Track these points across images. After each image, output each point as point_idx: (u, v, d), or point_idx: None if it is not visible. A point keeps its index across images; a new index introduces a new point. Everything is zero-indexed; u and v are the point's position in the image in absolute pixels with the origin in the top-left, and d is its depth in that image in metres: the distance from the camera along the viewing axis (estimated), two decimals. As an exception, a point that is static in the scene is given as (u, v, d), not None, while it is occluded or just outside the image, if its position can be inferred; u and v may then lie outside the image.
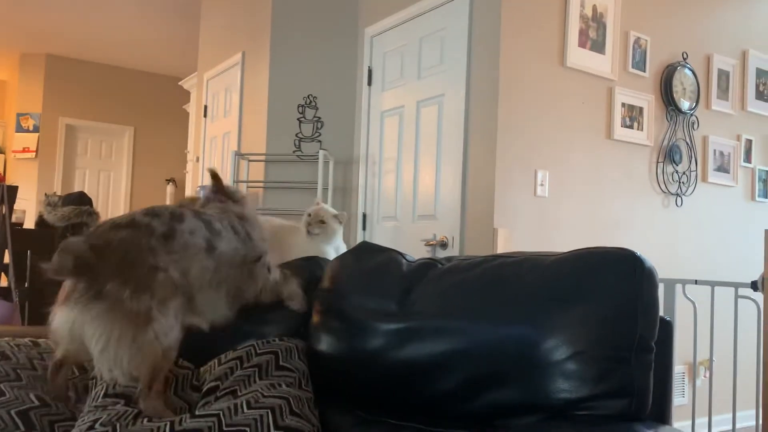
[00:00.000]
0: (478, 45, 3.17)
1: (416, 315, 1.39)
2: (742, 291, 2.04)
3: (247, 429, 1.22)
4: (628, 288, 1.29)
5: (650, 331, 1.30)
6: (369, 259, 1.61)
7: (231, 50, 4.81)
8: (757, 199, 4.16)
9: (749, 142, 4.13)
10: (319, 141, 4.18)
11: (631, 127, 3.52)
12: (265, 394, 1.28)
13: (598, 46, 3.37)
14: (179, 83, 6.88)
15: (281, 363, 1.40)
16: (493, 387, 1.28)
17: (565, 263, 1.33)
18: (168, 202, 7.83)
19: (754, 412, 2.22)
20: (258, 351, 1.42)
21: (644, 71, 3.58)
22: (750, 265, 4.08)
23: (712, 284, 2.12)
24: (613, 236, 3.40)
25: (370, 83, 3.97)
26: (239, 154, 4.19)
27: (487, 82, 3.09)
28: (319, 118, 4.21)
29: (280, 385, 1.32)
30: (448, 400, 1.32)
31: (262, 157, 4.17)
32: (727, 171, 4.00)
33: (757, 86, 4.19)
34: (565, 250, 1.40)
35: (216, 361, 1.42)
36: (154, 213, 1.30)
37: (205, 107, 5.25)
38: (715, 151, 3.93)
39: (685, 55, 3.76)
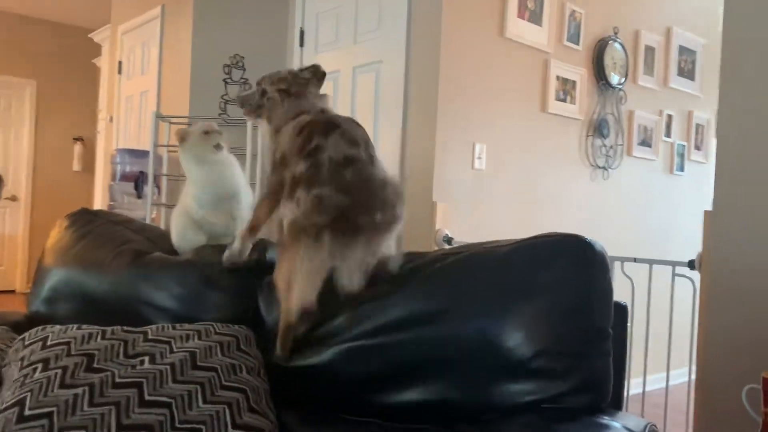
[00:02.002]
0: (419, 11, 3.07)
1: (368, 328, 1.30)
2: (678, 269, 2.10)
3: (203, 427, 1.13)
4: (582, 277, 1.27)
5: (607, 318, 1.30)
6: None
7: (149, 3, 4.48)
8: (675, 172, 4.33)
9: (670, 117, 4.27)
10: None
11: (564, 100, 3.54)
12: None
13: (536, 18, 3.35)
14: (89, 35, 6.39)
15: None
16: (455, 395, 1.23)
17: (516, 256, 1.29)
18: (76, 163, 7.34)
19: (668, 373, 2.35)
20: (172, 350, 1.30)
21: (578, 44, 3.60)
22: (669, 237, 4.27)
23: (651, 262, 2.18)
24: (547, 210, 3.45)
25: (302, 45, 3.79)
26: (160, 116, 3.93)
27: (427, 51, 3.00)
28: (247, 79, 3.99)
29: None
30: (407, 408, 1.27)
31: (185, 120, 3.93)
32: (649, 145, 4.13)
33: (679, 63, 4.32)
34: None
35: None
36: (353, 141, 1.31)
37: (120, 63, 4.90)
38: (639, 125, 4.04)
39: (616, 30, 3.81)
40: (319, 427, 1.30)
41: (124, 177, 3.91)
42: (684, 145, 4.40)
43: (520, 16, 3.26)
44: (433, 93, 2.96)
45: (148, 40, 4.47)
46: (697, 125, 4.49)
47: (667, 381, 2.22)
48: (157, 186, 3.92)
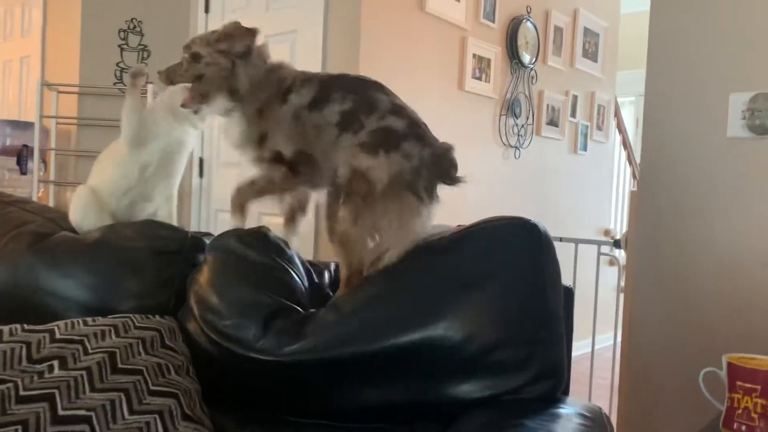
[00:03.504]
0: (336, -21, 2.92)
1: (314, 334, 1.17)
2: (603, 248, 2.13)
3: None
4: (531, 260, 1.21)
5: (559, 301, 1.26)
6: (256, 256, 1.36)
7: (29, -44, 4.03)
8: (579, 152, 4.46)
9: (575, 97, 4.38)
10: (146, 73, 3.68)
11: (480, 78, 3.53)
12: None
13: (454, -7, 3.29)
14: (-45, -9, 5.70)
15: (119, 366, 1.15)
16: (412, 396, 1.14)
17: (462, 247, 1.22)
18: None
19: (592, 352, 2.39)
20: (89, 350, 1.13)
21: (493, 22, 3.59)
22: (576, 214, 4.40)
23: (576, 241, 2.19)
24: (462, 189, 3.42)
25: (207, 10, 3.53)
26: (46, 84, 3.56)
27: (347, 22, 2.87)
28: (146, 46, 3.69)
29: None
30: (356, 409, 1.17)
31: (75, 89, 3.58)
32: (556, 125, 4.22)
33: (584, 45, 4.43)
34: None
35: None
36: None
37: (-5, 24, 4.40)
38: (548, 105, 4.10)
39: (528, 9, 3.83)
40: (261, 429, 1.18)
41: (5, 151, 3.51)
42: (587, 125, 4.53)
43: (439, -10, 3.19)
44: (353, 67, 2.83)
45: (28, -2, 4.03)
46: (599, 106, 4.64)
47: (592, 359, 2.27)
48: (44, 161, 3.56)
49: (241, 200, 1.34)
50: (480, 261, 1.20)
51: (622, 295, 2.08)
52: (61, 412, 0.97)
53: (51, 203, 3.50)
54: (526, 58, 3.81)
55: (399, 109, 1.23)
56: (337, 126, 1.22)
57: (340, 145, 1.22)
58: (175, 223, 1.62)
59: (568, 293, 1.41)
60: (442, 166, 1.22)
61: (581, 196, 4.50)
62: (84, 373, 1.07)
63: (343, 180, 1.19)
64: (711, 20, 1.84)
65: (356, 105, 1.22)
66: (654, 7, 1.97)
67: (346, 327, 1.17)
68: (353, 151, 1.19)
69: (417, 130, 1.22)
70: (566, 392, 1.33)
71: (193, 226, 3.48)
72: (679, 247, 1.88)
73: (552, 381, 1.19)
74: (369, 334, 1.15)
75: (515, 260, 1.20)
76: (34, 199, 3.30)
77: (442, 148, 1.23)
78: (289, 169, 1.29)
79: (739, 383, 0.99)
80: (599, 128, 4.67)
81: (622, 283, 2.12)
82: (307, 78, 1.30)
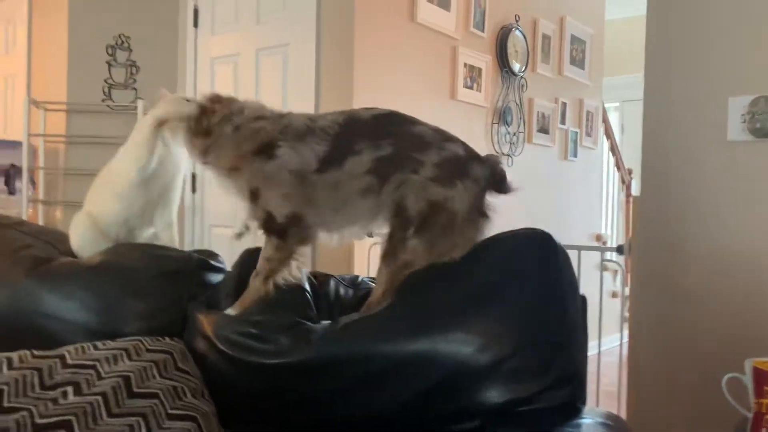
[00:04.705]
0: (328, -9, 2.92)
1: (332, 342, 1.17)
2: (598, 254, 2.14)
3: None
4: (550, 271, 1.21)
5: (577, 309, 1.25)
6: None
7: (13, -26, 3.98)
8: (569, 158, 4.48)
9: (564, 105, 4.40)
10: (135, 89, 3.65)
11: (471, 87, 3.53)
12: None
13: (444, 2, 3.30)
14: (-65, 10, 5.63)
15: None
16: (429, 404, 1.13)
17: (479, 260, 1.22)
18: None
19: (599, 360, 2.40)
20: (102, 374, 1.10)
21: (483, 31, 3.60)
22: (569, 221, 4.41)
23: (579, 248, 2.19)
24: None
25: (196, 25, 3.51)
26: (33, 102, 3.51)
27: (340, 35, 2.86)
28: (134, 62, 3.66)
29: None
30: (373, 421, 1.15)
31: (63, 107, 3.54)
32: (546, 132, 4.23)
33: (571, 52, 4.46)
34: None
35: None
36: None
37: (-22, 42, 4.33)
38: (538, 113, 4.12)
39: (517, 18, 3.86)
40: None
41: (-7, 171, 3.46)
42: (576, 132, 4.56)
43: (429, 0, 3.20)
44: (347, 80, 2.82)
45: (12, 16, 3.97)
46: (588, 112, 4.67)
47: (599, 366, 2.26)
48: (33, 181, 3.51)
49: (256, 299, 1.29)
50: (496, 272, 1.19)
51: (620, 300, 2.08)
52: (79, 440, 0.94)
53: (40, 223, 3.45)
54: (516, 66, 3.83)
55: (445, 134, 1.23)
56: (370, 173, 1.18)
57: (389, 188, 1.19)
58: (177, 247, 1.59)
59: (582, 302, 1.41)
60: (498, 181, 1.24)
61: (573, 202, 4.51)
62: (100, 398, 1.04)
63: (415, 212, 1.17)
64: (710, 23, 1.86)
65: (399, 146, 1.19)
66: (651, 11, 1.98)
67: (363, 330, 1.16)
68: (423, 185, 1.17)
69: (471, 151, 1.23)
70: (584, 402, 1.33)
71: (187, 242, 3.44)
72: (682, 251, 1.88)
73: (571, 387, 1.18)
74: (383, 337, 1.14)
75: (532, 270, 1.20)
76: (24, 218, 3.25)
77: (493, 162, 1.24)
78: (278, 237, 1.25)
79: (767, 388, 0.99)
80: (588, 134, 4.70)
81: (620, 288, 2.12)
82: (302, 132, 1.22)
